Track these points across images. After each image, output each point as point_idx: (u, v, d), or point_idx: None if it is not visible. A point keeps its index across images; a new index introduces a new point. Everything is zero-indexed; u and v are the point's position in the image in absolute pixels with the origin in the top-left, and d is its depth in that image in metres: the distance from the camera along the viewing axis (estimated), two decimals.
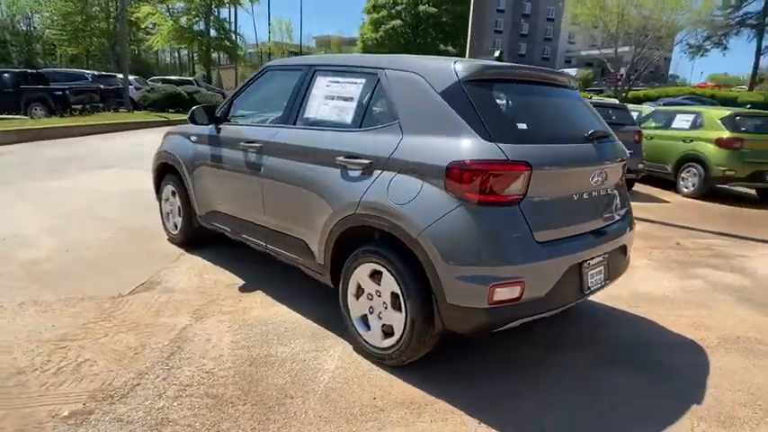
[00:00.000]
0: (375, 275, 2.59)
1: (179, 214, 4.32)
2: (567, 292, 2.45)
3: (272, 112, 3.56)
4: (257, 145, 3.31)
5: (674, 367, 2.78)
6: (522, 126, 2.41)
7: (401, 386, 2.45)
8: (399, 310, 2.47)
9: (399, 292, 2.44)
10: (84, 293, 3.33)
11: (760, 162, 7.92)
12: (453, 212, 2.24)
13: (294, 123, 3.17)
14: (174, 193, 4.35)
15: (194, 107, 3.79)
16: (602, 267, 2.67)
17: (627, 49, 39.18)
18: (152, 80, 28.15)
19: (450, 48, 37.78)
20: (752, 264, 4.82)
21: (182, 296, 3.39)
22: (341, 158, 2.70)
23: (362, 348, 2.70)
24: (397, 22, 36.98)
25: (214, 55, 42.89)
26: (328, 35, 73.08)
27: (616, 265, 2.82)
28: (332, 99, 2.99)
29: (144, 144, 11.04)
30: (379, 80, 2.74)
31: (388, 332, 2.57)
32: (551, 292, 2.36)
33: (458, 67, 2.46)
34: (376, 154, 2.55)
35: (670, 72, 66.22)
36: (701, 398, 2.49)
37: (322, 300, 3.33)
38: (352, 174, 2.65)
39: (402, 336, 2.47)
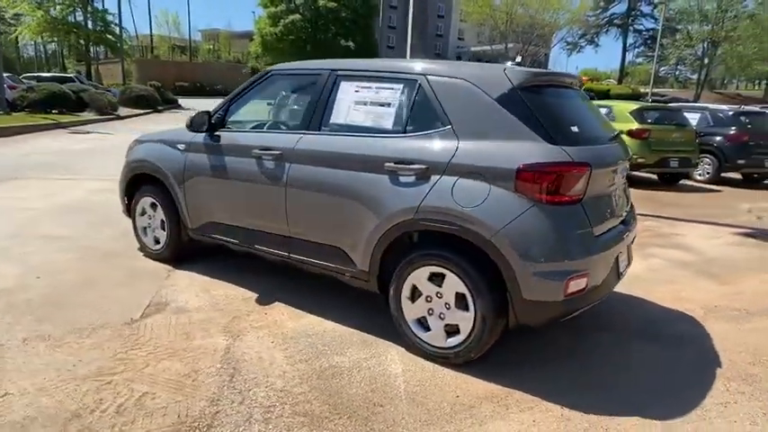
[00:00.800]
0: (434, 278, 2.66)
1: (162, 228, 4.02)
2: (611, 279, 2.71)
3: (283, 117, 3.47)
4: (276, 152, 3.20)
5: (683, 337, 3.19)
6: (574, 129, 2.62)
7: (474, 382, 2.55)
8: (466, 309, 2.57)
9: (466, 291, 2.54)
10: (91, 322, 3.02)
11: (663, 150, 9.03)
12: (526, 213, 2.38)
13: (318, 129, 3.12)
14: (154, 206, 4.04)
15: (194, 114, 3.55)
16: (625, 255, 2.97)
17: (513, 45, 42.20)
18: (25, 77, 25.16)
19: (350, 43, 37.97)
20: (687, 240, 5.55)
21: (201, 315, 3.20)
22: (390, 164, 2.72)
23: (421, 350, 2.76)
24: (297, 16, 36.41)
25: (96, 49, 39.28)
26: (216, 28, 69.68)
27: (630, 252, 3.15)
28: (364, 104, 2.99)
29: (45, 152, 9.96)
30: (420, 85, 2.79)
31: (451, 331, 2.66)
32: (604, 281, 2.61)
33: (510, 74, 2.60)
34: (432, 159, 2.61)
35: (549, 68, 72.25)
36: (717, 361, 2.89)
37: (349, 307, 3.33)
38: (404, 179, 2.69)
39: (471, 333, 2.57)
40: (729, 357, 2.93)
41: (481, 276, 2.50)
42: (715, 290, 4.06)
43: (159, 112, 23.39)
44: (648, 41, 48.26)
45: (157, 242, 4.12)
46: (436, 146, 2.64)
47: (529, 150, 2.43)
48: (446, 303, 2.65)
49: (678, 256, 4.94)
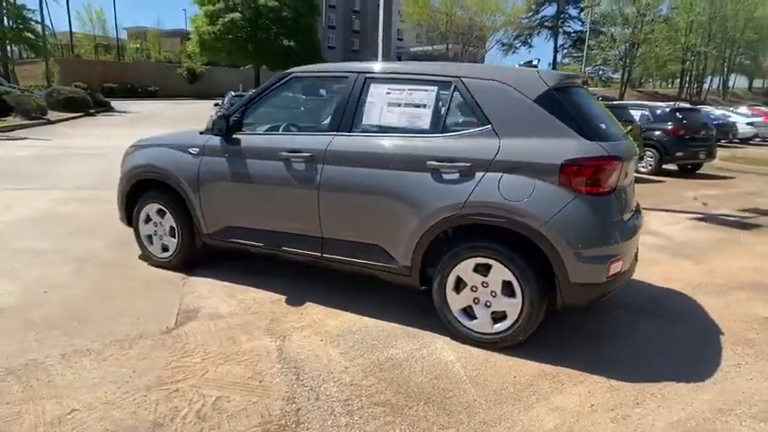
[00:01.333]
0: (479, 268, 2.82)
1: (171, 235, 3.93)
2: (633, 264, 2.99)
3: (307, 119, 3.50)
4: (306, 154, 3.24)
5: (683, 312, 3.54)
6: (603, 126, 2.86)
7: (524, 363, 2.74)
8: (512, 296, 2.75)
9: (513, 279, 2.72)
10: (126, 334, 2.94)
11: None
12: (570, 204, 2.60)
13: (349, 131, 3.19)
14: (161, 213, 3.94)
15: (216, 118, 3.50)
16: (638, 242, 3.26)
17: (452, 46, 43.31)
18: None
19: (292, 43, 37.54)
20: (653, 227, 6.04)
21: (237, 319, 3.19)
22: (433, 163, 2.86)
23: (467, 338, 2.91)
24: (236, 15, 35.50)
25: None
26: (143, 26, 66.42)
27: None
28: (398, 106, 3.10)
29: None
30: (455, 88, 2.95)
31: (498, 318, 2.83)
32: (630, 266, 2.87)
33: (545, 77, 2.80)
34: (476, 157, 2.77)
35: None
36: (718, 330, 3.24)
37: (381, 303, 3.43)
38: (448, 177, 2.83)
39: (518, 318, 2.75)
40: (727, 326, 3.29)
41: (528, 264, 2.68)
42: (694, 269, 4.49)
43: (92, 115, 22.09)
44: (577, 43, 51.06)
45: (165, 250, 4.02)
46: (479, 144, 2.80)
47: (570, 146, 2.64)
48: (492, 292, 2.81)
49: (652, 240, 5.39)
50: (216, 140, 3.63)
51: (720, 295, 3.86)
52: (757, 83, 66.01)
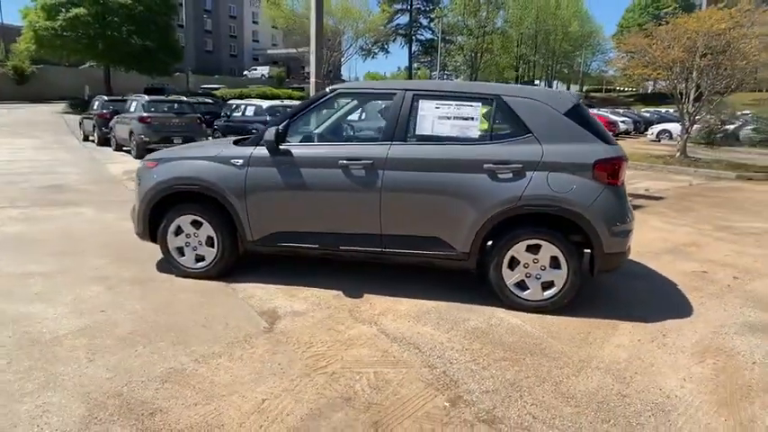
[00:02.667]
0: (530, 248, 3.54)
1: (209, 245, 4.02)
2: None
3: (357, 130, 3.88)
4: (366, 162, 3.66)
5: (641, 272, 4.64)
6: (606, 133, 3.75)
7: (574, 319, 3.50)
8: (558, 267, 3.52)
9: (560, 254, 3.49)
10: (234, 336, 3.11)
11: None
12: (602, 193, 3.44)
13: (404, 140, 3.69)
14: (196, 224, 4.00)
15: (269, 131, 3.69)
16: None
17: (305, 49, 43.88)
18: None
19: (148, 43, 34.81)
20: None
21: (320, 314, 3.49)
22: (489, 165, 3.50)
23: (521, 306, 3.60)
24: (80, 10, 31.75)
25: None
26: None
27: None
28: (448, 119, 3.68)
29: None
30: (497, 104, 3.62)
31: (547, 286, 3.57)
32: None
33: (569, 96, 3.63)
34: (526, 159, 3.48)
35: (342, 72, 76.50)
36: (672, 282, 4.37)
37: (430, 288, 3.97)
38: (502, 176, 3.50)
39: (564, 285, 3.52)
40: (675, 279, 4.46)
41: (571, 242, 3.47)
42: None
43: None
44: (429, 50, 55.09)
45: (200, 260, 4.07)
46: (526, 149, 3.51)
47: (597, 149, 3.48)
48: (542, 266, 3.55)
49: None
50: (262, 151, 3.83)
51: (655, 259, 5.08)
52: (573, 87, 77.45)
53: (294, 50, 44.50)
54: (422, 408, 2.44)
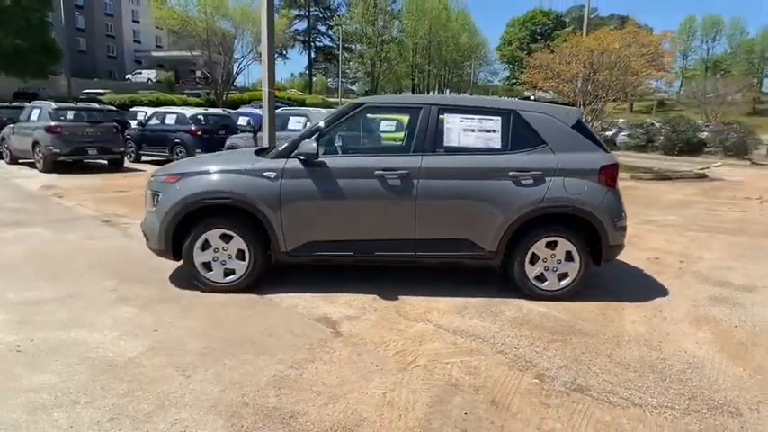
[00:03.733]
0: (549, 245, 4.06)
1: (240, 258, 4.03)
2: None
3: (386, 142, 4.12)
4: (402, 172, 3.95)
5: (620, 260, 5.40)
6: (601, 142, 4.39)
7: (587, 303, 4.06)
8: (572, 260, 4.07)
9: (573, 249, 4.05)
10: (310, 343, 3.23)
11: None
12: (607, 194, 4.05)
13: (433, 151, 4.04)
14: (225, 238, 4.00)
15: (306, 145, 3.81)
16: None
17: (199, 53, 42.20)
18: None
19: (19, 41, 31.21)
20: None
21: (372, 316, 3.70)
22: (513, 172, 3.97)
23: (541, 296, 4.10)
24: None
25: None
26: None
27: None
28: (472, 131, 4.09)
29: None
30: (514, 118, 4.10)
31: (562, 277, 4.11)
32: None
33: (574, 112, 4.21)
34: (545, 167, 3.99)
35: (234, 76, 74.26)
36: (637, 268, 5.16)
37: (457, 287, 4.34)
38: (525, 182, 3.98)
39: (577, 275, 4.08)
40: (639, 265, 5.26)
41: (583, 238, 4.04)
42: None
43: None
44: (329, 57, 55.48)
45: (229, 274, 4.06)
46: (543, 158, 4.03)
47: (600, 157, 4.10)
48: (558, 260, 4.08)
49: None
50: (296, 163, 3.95)
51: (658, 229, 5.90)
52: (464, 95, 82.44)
53: (188, 53, 42.27)
54: (519, 385, 2.80)
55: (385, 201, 3.98)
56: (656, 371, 3.01)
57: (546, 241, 4.05)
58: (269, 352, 3.08)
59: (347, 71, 53.37)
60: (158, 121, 14.12)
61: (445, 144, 4.07)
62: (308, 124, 10.41)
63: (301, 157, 3.93)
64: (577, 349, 3.27)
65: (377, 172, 3.95)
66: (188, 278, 4.12)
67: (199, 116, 13.84)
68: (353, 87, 62.08)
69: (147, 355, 2.99)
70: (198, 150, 13.21)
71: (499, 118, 4.12)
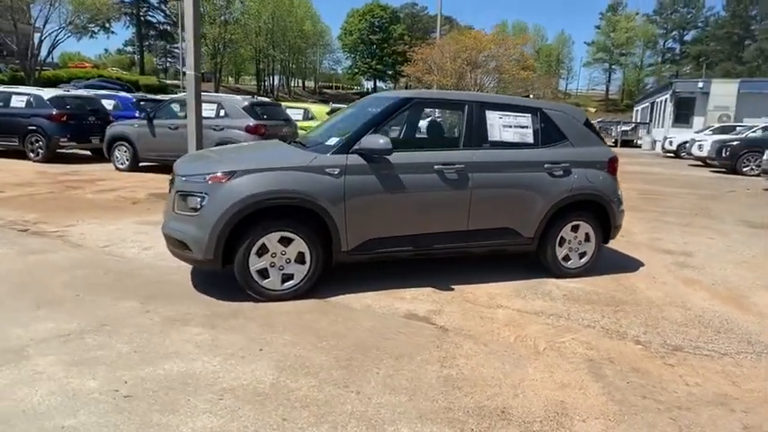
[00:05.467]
0: (573, 228, 4.57)
1: (300, 261, 3.78)
2: None
3: (435, 136, 4.16)
4: (459, 166, 4.09)
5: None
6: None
7: (605, 276, 4.66)
8: (590, 240, 4.65)
9: (591, 231, 4.62)
10: (426, 343, 3.23)
11: None
12: (613, 182, 4.68)
13: (480, 146, 4.24)
14: (285, 241, 3.72)
15: (373, 140, 3.70)
16: None
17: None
18: None
19: None
20: None
21: (451, 308, 3.79)
22: (548, 165, 4.37)
23: (566, 274, 4.60)
24: None
25: None
26: None
27: None
28: (510, 127, 4.38)
29: None
30: (541, 115, 4.50)
31: (581, 256, 4.66)
32: None
33: (583, 112, 4.73)
34: (571, 159, 4.47)
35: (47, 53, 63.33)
36: (621, 244, 6.02)
37: (494, 271, 4.62)
38: (557, 173, 4.41)
39: (593, 253, 4.67)
40: (613, 244, 6.12)
41: (599, 221, 4.64)
42: None
43: None
44: (164, 35, 50.39)
45: (288, 279, 3.78)
46: (567, 151, 4.49)
47: (607, 150, 4.72)
48: (579, 241, 4.62)
49: None
50: (358, 159, 3.82)
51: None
52: (309, 83, 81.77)
53: None
54: (634, 352, 3.21)
55: (444, 194, 4.07)
56: (706, 325, 3.68)
57: (571, 225, 4.55)
58: (404, 354, 3.02)
59: (176, 51, 48.83)
60: None
61: (490, 138, 4.28)
62: (222, 112, 9.65)
63: (364, 153, 3.81)
64: (638, 316, 3.80)
65: (436, 166, 4.01)
66: (218, 287, 3.77)
67: (62, 98, 11.74)
68: (184, 69, 56.92)
69: (287, 377, 2.71)
70: (63, 139, 11.29)
71: (529, 115, 4.47)
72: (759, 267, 5.28)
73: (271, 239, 3.66)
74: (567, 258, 4.63)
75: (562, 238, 4.56)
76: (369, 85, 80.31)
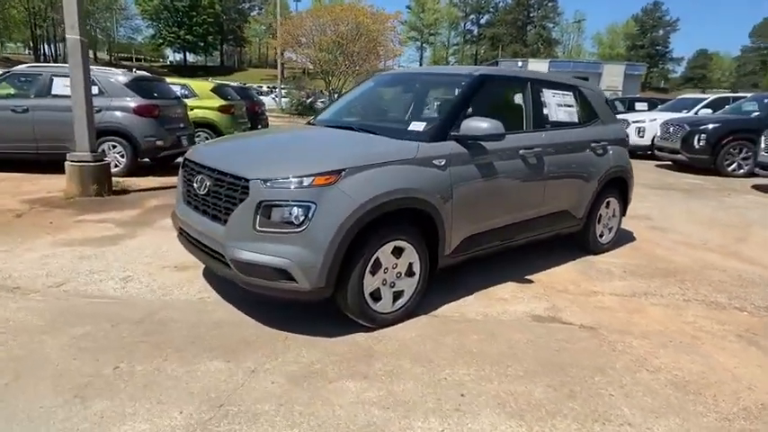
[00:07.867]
0: (607, 204, 4.67)
1: (409, 274, 3.14)
2: None
3: (508, 117, 3.74)
4: (537, 150, 3.82)
5: None
6: None
7: (622, 249, 4.89)
8: (616, 216, 4.82)
9: (618, 207, 4.79)
10: (591, 343, 2.97)
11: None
12: (627, 156, 4.89)
13: (543, 127, 4.02)
14: (397, 252, 3.04)
15: (474, 125, 3.18)
16: None
17: None
18: None
19: None
20: None
21: (540, 305, 3.56)
22: (593, 144, 4.35)
23: (600, 249, 4.70)
24: None
25: None
26: None
27: None
28: (559, 106, 4.21)
29: None
30: (579, 93, 4.44)
31: (610, 231, 4.80)
32: None
33: (600, 89, 4.80)
34: (607, 137, 4.52)
35: None
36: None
37: (536, 257, 4.47)
38: (599, 152, 4.42)
39: (617, 227, 4.86)
40: None
41: (622, 195, 4.82)
42: None
43: None
44: None
45: (398, 297, 3.11)
46: (603, 129, 4.53)
47: (622, 127, 4.89)
48: (609, 216, 4.76)
49: None
50: (459, 148, 3.29)
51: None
52: (102, 55, 70.45)
53: None
54: (749, 322, 3.39)
55: (527, 181, 3.76)
56: (747, 283, 4.09)
57: (606, 201, 4.64)
58: (603, 367, 2.70)
59: None
60: None
61: (551, 119, 4.07)
62: (95, 89, 7.61)
63: (468, 138, 3.27)
64: (701, 285, 4.04)
65: (521, 151, 3.67)
66: (286, 317, 3.04)
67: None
68: None
69: (538, 426, 2.19)
70: None
71: (571, 93, 4.37)
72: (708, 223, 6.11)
73: (385, 252, 2.94)
74: (602, 235, 4.72)
75: (600, 215, 4.62)
76: (177, 57, 72.90)
